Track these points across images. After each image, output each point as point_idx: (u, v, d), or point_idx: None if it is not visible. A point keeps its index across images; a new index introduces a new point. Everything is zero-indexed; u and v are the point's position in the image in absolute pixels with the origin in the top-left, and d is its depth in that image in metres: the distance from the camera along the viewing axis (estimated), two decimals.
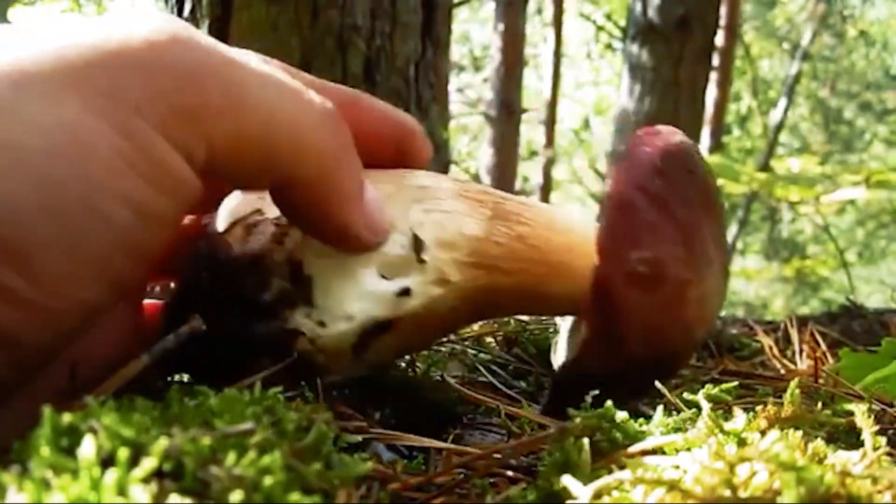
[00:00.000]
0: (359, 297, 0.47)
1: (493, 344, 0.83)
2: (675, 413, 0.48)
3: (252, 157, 0.40)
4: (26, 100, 0.33)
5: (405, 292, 0.49)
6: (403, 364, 0.67)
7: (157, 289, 0.57)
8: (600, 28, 9.05)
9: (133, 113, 0.35)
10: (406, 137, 0.55)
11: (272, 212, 0.48)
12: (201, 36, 0.39)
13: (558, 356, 0.65)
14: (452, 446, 0.49)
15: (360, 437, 0.43)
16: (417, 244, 0.50)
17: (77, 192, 0.33)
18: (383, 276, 0.49)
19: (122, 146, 0.34)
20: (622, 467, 0.35)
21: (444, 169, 2.04)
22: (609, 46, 9.79)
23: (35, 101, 0.33)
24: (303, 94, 0.42)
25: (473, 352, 0.77)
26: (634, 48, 4.43)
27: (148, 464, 0.26)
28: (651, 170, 0.54)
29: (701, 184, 0.57)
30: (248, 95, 0.39)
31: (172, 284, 0.52)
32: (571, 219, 0.58)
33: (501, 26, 5.92)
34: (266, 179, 0.42)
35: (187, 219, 0.53)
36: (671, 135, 0.58)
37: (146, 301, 0.52)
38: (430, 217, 0.51)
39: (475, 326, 0.87)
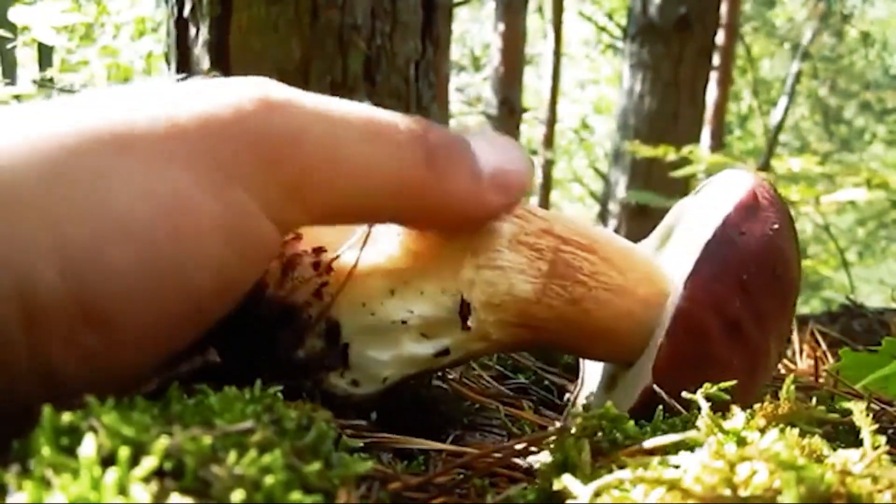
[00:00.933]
0: (397, 362, 0.47)
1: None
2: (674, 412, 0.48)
3: (353, 213, 0.41)
4: (136, 167, 0.33)
5: (444, 353, 0.48)
6: None
7: None
8: (601, 28, 9.06)
9: (235, 185, 0.35)
10: None
11: (309, 235, 0.47)
12: (296, 96, 0.39)
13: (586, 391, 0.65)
14: (452, 447, 0.49)
15: (361, 443, 0.43)
16: (465, 309, 0.48)
17: (171, 262, 0.34)
18: (423, 335, 0.47)
19: (221, 218, 0.35)
20: (622, 467, 0.35)
21: None
22: (610, 46, 9.79)
23: (143, 168, 0.34)
24: (394, 134, 0.42)
25: None
26: (635, 48, 4.42)
27: (148, 463, 0.26)
28: (735, 287, 0.49)
29: (784, 286, 0.52)
30: (345, 159, 0.39)
31: None
32: (643, 270, 0.53)
33: (501, 26, 5.92)
34: (375, 221, 0.44)
35: None
36: (769, 218, 0.51)
37: None
38: (482, 276, 0.48)
39: None
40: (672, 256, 0.57)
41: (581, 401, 0.65)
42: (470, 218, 0.46)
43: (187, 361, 0.40)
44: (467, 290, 0.48)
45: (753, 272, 0.50)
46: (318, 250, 0.47)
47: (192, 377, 0.40)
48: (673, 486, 0.31)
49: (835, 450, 0.37)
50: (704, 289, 0.49)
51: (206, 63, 1.48)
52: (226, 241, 0.35)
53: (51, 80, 1.97)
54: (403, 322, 0.46)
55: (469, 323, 0.48)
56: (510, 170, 0.46)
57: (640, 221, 4.38)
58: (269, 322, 0.45)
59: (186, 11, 1.52)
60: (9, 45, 2.10)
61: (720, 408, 0.42)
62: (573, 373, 0.73)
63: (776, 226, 0.51)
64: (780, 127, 10.41)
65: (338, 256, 0.47)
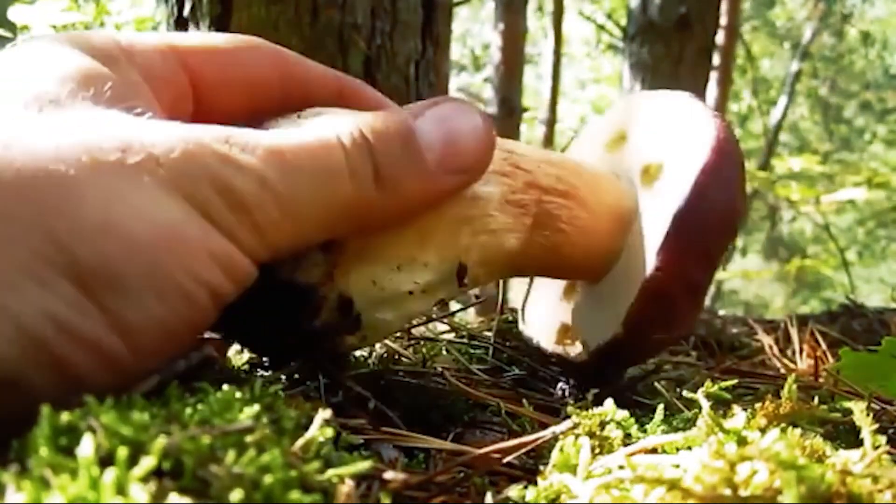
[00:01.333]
0: (402, 318, 0.52)
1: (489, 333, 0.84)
2: (675, 412, 0.48)
3: (315, 240, 0.45)
4: (143, 194, 0.37)
5: (440, 302, 0.54)
6: (405, 360, 0.67)
7: None
8: (600, 27, 9.05)
9: (202, 212, 0.39)
10: (348, 90, 0.58)
11: None
12: (253, 139, 0.42)
13: (532, 317, 0.71)
14: (453, 445, 0.49)
15: (360, 440, 0.43)
16: (462, 271, 0.53)
17: (174, 278, 0.37)
18: (423, 293, 0.52)
19: (202, 239, 0.38)
20: (622, 466, 0.35)
21: None
22: (610, 46, 9.79)
23: (150, 196, 0.37)
24: (341, 162, 0.44)
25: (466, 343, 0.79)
26: (634, 47, 4.42)
27: (147, 462, 0.26)
28: (701, 258, 0.55)
29: (734, 234, 0.58)
30: (299, 202, 0.42)
31: None
32: (610, 200, 0.60)
33: (501, 25, 5.91)
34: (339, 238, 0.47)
35: None
36: (732, 179, 0.56)
37: None
38: (477, 240, 0.53)
39: (471, 320, 0.88)
40: (628, 168, 0.63)
41: (525, 307, 0.71)
42: (433, 204, 0.49)
43: (185, 358, 0.41)
44: (464, 255, 0.53)
45: (716, 240, 0.56)
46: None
47: (190, 373, 0.41)
48: (673, 485, 0.31)
49: (835, 449, 0.37)
50: (674, 263, 0.55)
51: None
52: (218, 265, 0.39)
53: None
54: (410, 293, 0.51)
55: (465, 281, 0.53)
56: (461, 145, 0.48)
57: None
58: (287, 301, 0.48)
59: (186, 11, 1.52)
60: (8, 45, 2.10)
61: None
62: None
63: (736, 183, 0.57)
64: (779, 126, 10.41)
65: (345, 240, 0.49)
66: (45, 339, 0.33)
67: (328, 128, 0.45)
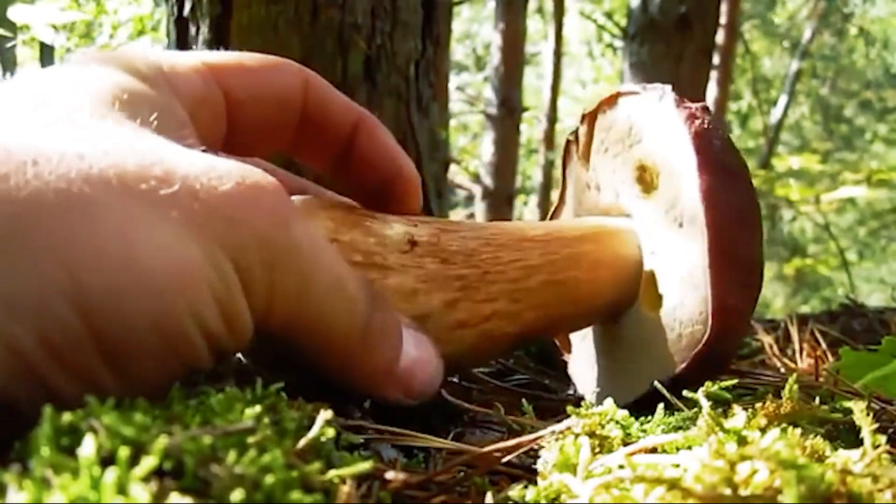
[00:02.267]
0: None
1: None
2: (675, 411, 0.48)
3: (293, 338, 0.44)
4: (161, 229, 0.35)
5: None
6: None
7: None
8: (600, 27, 9.05)
9: (230, 260, 0.38)
10: (402, 183, 0.58)
11: None
12: (288, 199, 0.42)
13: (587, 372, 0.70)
14: (453, 445, 0.49)
15: (361, 439, 0.43)
16: None
17: (177, 316, 0.36)
18: None
19: (217, 286, 0.37)
20: (622, 465, 0.35)
21: (443, 167, 2.04)
22: (609, 46, 9.79)
23: (166, 231, 0.35)
24: (352, 290, 0.45)
25: None
26: (634, 47, 4.42)
27: (148, 462, 0.26)
28: (743, 288, 0.55)
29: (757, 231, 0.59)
30: (315, 285, 0.42)
31: None
32: (611, 264, 0.62)
33: (502, 25, 5.91)
34: (300, 355, 0.46)
35: None
36: (744, 201, 0.57)
37: None
38: None
39: None
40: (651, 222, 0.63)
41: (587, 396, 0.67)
42: (368, 390, 0.49)
43: None
44: None
45: (752, 270, 0.56)
46: None
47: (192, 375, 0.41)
48: (673, 485, 0.31)
49: (835, 449, 0.37)
50: (726, 313, 0.55)
51: None
52: (221, 311, 0.38)
53: None
54: None
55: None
56: (420, 375, 0.50)
57: None
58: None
59: (186, 10, 1.52)
60: (8, 44, 2.10)
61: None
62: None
63: (750, 201, 0.57)
64: (780, 126, 10.41)
65: None
66: (35, 363, 0.32)
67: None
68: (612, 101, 0.65)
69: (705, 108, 0.59)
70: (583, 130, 0.69)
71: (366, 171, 0.58)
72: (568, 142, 0.72)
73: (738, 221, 0.56)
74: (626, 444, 0.40)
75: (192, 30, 1.51)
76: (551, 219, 0.75)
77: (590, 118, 0.68)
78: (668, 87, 0.61)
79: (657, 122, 0.60)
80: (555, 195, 0.76)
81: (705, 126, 0.57)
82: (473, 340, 0.57)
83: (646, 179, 0.63)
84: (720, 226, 0.55)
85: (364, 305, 0.46)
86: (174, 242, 0.36)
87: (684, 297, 0.58)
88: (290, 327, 0.43)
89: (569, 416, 0.43)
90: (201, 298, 0.36)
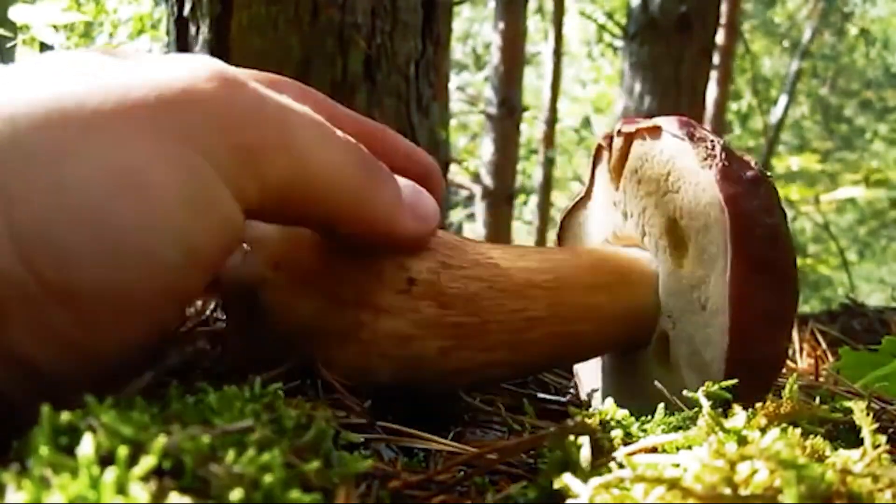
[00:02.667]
0: None
1: None
2: (675, 411, 0.48)
3: (297, 197, 0.41)
4: (94, 142, 0.33)
5: None
6: None
7: None
8: (601, 26, 9.05)
9: (197, 152, 0.35)
10: (426, 177, 0.56)
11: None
12: (247, 78, 0.40)
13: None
14: (453, 444, 0.49)
15: (361, 439, 0.43)
16: None
17: (135, 237, 0.33)
18: None
19: (183, 187, 0.34)
20: (622, 465, 0.35)
21: (443, 167, 2.04)
22: (609, 45, 9.79)
23: (102, 143, 0.33)
24: (335, 133, 0.44)
25: None
26: (635, 47, 4.42)
27: (147, 462, 0.26)
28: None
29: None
30: (297, 137, 0.40)
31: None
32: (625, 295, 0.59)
33: (502, 25, 5.91)
34: (311, 220, 0.44)
35: None
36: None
37: None
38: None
39: None
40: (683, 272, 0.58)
41: (585, 397, 0.66)
42: (391, 236, 0.48)
43: (177, 351, 0.40)
44: None
45: (770, 368, 0.54)
46: None
47: (185, 366, 0.40)
48: (673, 484, 0.31)
49: (835, 449, 0.37)
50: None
51: None
52: (190, 214, 0.35)
53: None
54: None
55: None
56: (425, 204, 0.50)
57: None
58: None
59: (186, 10, 1.52)
60: (9, 44, 2.10)
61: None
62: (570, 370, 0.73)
63: (782, 299, 0.53)
64: (780, 125, 10.40)
65: None
66: None
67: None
68: (654, 132, 0.59)
69: (756, 179, 0.53)
70: (617, 143, 0.63)
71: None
72: (599, 146, 0.67)
73: (764, 321, 0.51)
74: (626, 444, 0.40)
75: (192, 29, 1.51)
76: (574, 207, 0.71)
77: (626, 137, 0.62)
78: (719, 146, 0.54)
79: (698, 187, 0.55)
80: (555, 195, 0.75)
81: (751, 207, 0.52)
82: (468, 382, 0.56)
83: (677, 235, 0.58)
84: (744, 330, 0.51)
85: (356, 145, 0.44)
86: (114, 159, 0.33)
87: (694, 378, 0.55)
88: (289, 196, 0.41)
89: (570, 415, 0.43)
90: (167, 208, 0.34)
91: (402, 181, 0.50)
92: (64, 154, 0.32)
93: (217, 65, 0.39)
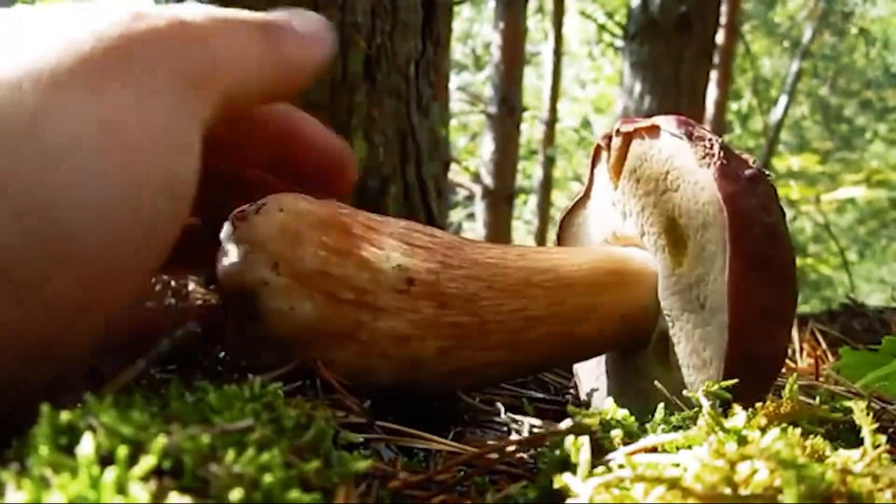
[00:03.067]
0: None
1: None
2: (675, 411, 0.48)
3: (238, 100, 0.42)
4: (66, 101, 0.32)
5: None
6: None
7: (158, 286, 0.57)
8: (601, 26, 9.05)
9: (158, 91, 0.35)
10: (337, 168, 0.57)
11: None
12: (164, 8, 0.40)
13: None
14: (453, 444, 0.49)
15: (361, 438, 0.43)
16: None
17: (124, 190, 0.33)
18: None
19: (160, 130, 0.34)
20: (622, 465, 0.35)
21: (444, 167, 2.04)
22: (609, 45, 9.80)
23: (76, 101, 0.32)
24: (233, 21, 0.43)
25: None
26: (635, 47, 4.42)
27: (147, 462, 0.26)
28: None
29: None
30: (217, 47, 0.40)
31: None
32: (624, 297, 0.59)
33: (502, 25, 5.91)
34: (246, 104, 0.45)
35: None
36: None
37: None
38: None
39: None
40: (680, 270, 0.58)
41: (584, 397, 0.66)
42: (305, 69, 0.48)
43: (168, 336, 0.40)
44: None
45: (769, 366, 0.54)
46: None
47: (175, 350, 0.40)
48: (673, 484, 0.31)
49: (835, 449, 0.37)
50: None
51: None
52: (174, 157, 0.35)
53: None
54: None
55: None
56: (319, 27, 0.50)
57: None
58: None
59: None
60: None
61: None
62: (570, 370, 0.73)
63: (781, 296, 0.53)
64: (780, 125, 10.40)
65: None
66: None
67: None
68: (652, 131, 0.59)
69: (754, 177, 0.53)
70: (616, 143, 0.63)
71: (304, 163, 0.57)
72: (598, 147, 0.67)
73: (763, 319, 0.52)
74: (626, 444, 0.40)
75: None
76: (574, 207, 0.71)
77: (625, 137, 0.62)
78: (717, 145, 0.54)
79: (697, 186, 0.55)
80: (555, 195, 0.75)
81: (750, 205, 0.52)
82: (468, 383, 0.56)
83: (676, 234, 0.58)
84: (742, 328, 0.51)
85: (248, 23, 0.44)
86: (98, 112, 0.32)
87: (694, 377, 0.55)
88: (233, 97, 0.41)
89: (570, 415, 0.43)
90: (151, 155, 0.33)
91: (294, 13, 0.50)
92: (33, 116, 0.31)
93: (128, 4, 0.39)
